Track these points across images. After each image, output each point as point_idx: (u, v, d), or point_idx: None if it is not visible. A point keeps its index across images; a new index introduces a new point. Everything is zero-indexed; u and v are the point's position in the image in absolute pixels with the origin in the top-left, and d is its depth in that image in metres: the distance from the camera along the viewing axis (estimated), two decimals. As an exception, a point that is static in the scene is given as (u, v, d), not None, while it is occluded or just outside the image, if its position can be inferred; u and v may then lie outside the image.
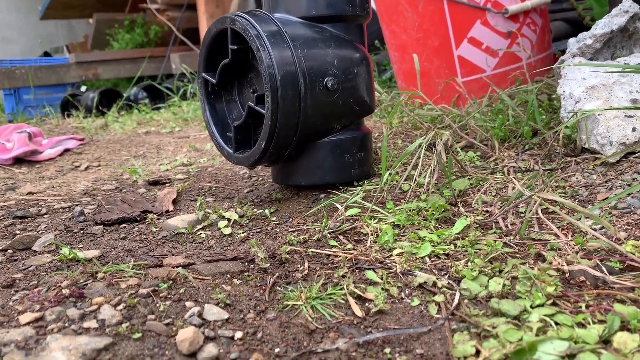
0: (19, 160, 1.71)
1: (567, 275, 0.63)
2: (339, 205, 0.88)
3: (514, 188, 0.92)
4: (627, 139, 0.93)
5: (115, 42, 4.29)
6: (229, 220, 0.90)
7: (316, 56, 0.91)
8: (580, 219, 0.77)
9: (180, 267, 0.68)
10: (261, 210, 0.94)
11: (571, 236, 0.73)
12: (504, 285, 0.61)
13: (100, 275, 0.66)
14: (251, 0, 3.59)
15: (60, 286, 0.63)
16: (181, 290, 0.63)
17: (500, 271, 0.65)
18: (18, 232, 0.94)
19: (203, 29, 3.63)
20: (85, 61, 3.91)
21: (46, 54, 5.17)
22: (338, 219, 0.85)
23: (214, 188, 1.19)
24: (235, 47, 0.91)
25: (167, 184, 1.28)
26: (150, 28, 4.27)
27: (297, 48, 0.89)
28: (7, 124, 3.72)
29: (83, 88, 3.91)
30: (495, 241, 0.71)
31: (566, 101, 1.04)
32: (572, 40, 1.18)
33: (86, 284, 0.64)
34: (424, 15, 1.57)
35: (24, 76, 3.80)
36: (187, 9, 3.93)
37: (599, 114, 0.96)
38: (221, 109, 1.03)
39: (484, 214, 0.84)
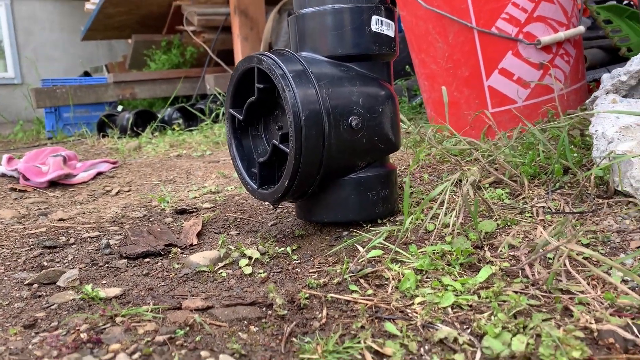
0: (53, 184, 1.76)
1: (596, 334, 0.60)
2: (360, 248, 0.87)
3: (541, 233, 0.89)
4: (663, 183, 0.90)
5: (152, 63, 4.40)
6: (250, 258, 0.89)
7: (341, 95, 0.91)
8: (610, 269, 0.74)
9: (198, 312, 0.68)
10: (283, 248, 0.94)
11: (601, 289, 0.70)
12: (528, 344, 0.59)
13: (119, 319, 0.66)
14: (284, 24, 3.64)
15: (79, 330, 0.63)
16: (197, 338, 0.62)
17: (525, 327, 0.63)
18: (46, 263, 0.96)
19: (237, 51, 3.70)
20: (123, 81, 4.02)
21: (86, 74, 5.33)
22: (359, 262, 0.84)
23: (238, 219, 1.19)
24: (262, 86, 0.92)
25: (193, 213, 1.29)
26: (186, 49, 4.37)
27: (322, 87, 0.89)
28: (46, 141, 3.85)
29: (120, 107, 4.01)
30: (519, 294, 0.69)
31: (598, 141, 1.01)
32: (605, 76, 1.15)
33: (104, 328, 0.64)
34: (454, 46, 1.55)
35: (65, 95, 3.91)
36: (222, 31, 4.01)
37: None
38: (247, 144, 1.04)
39: (510, 260, 0.82)
